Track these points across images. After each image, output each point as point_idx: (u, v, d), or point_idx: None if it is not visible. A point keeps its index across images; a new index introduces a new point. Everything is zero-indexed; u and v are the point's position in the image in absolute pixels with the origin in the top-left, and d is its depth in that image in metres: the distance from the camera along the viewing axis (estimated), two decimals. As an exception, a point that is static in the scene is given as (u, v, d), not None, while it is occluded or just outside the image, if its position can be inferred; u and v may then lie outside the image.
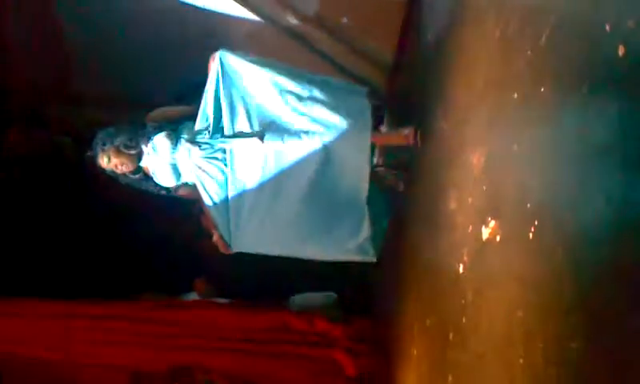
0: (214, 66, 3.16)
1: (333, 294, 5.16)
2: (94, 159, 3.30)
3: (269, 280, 5.08)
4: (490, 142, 2.01)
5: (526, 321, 1.46)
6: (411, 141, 3.11)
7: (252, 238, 3.30)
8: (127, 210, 4.74)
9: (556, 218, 1.37)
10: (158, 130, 3.28)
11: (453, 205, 2.36)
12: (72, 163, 4.85)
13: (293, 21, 4.28)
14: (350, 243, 3.35)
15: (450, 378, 2.19)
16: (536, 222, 1.48)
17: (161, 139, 3.25)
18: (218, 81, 3.16)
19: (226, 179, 3.22)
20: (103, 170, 3.31)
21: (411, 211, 3.24)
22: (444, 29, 2.88)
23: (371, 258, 3.46)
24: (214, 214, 3.26)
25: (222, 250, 3.36)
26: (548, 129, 1.50)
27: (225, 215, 3.26)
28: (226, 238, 3.27)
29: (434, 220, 2.62)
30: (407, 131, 3.16)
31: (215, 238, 3.32)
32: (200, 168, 3.25)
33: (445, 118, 2.66)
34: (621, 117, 1.14)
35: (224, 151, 3.21)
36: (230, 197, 3.23)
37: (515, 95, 1.73)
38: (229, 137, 3.20)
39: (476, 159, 2.12)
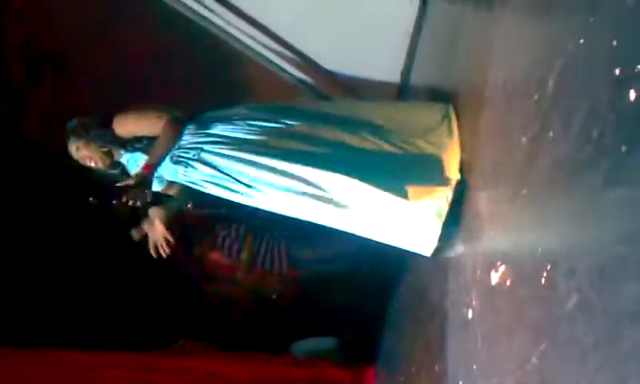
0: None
1: (335, 339, 5.13)
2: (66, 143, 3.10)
3: (265, 326, 5.06)
4: (498, 185, 2.01)
5: (541, 368, 1.43)
6: None
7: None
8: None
9: (569, 263, 1.36)
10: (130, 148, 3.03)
11: (461, 247, 2.35)
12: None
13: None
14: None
15: (460, 427, 2.15)
16: (548, 267, 1.46)
17: (137, 157, 3.03)
18: None
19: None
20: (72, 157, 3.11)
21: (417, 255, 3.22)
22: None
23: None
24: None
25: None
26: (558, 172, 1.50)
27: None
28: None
29: (442, 262, 2.60)
30: None
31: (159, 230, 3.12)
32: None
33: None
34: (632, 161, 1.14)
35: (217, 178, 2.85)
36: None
37: (523, 139, 1.74)
38: (221, 170, 2.85)
39: (483, 204, 2.12)
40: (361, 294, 4.96)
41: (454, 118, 2.71)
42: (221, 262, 5.11)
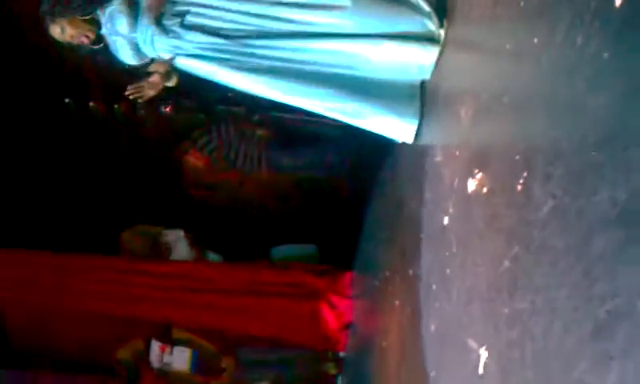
0: None
1: (313, 246, 5.22)
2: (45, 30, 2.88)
3: (248, 233, 5.13)
4: (479, 96, 2.00)
5: (514, 271, 1.47)
6: None
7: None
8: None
9: (546, 169, 1.37)
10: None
11: (439, 157, 2.37)
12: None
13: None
14: None
15: (432, 327, 2.22)
16: (525, 174, 1.48)
17: (115, 12, 2.82)
18: None
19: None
20: (56, 41, 2.90)
21: (395, 162, 3.24)
22: None
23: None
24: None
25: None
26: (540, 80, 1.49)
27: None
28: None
29: (420, 172, 2.62)
30: None
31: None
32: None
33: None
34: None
35: (202, 49, 2.75)
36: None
37: (507, 46, 1.72)
38: (206, 31, 2.74)
39: (464, 112, 2.12)
40: (339, 202, 5.03)
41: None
42: (198, 165, 5.11)
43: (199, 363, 4.51)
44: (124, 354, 4.51)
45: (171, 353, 4.48)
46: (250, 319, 4.29)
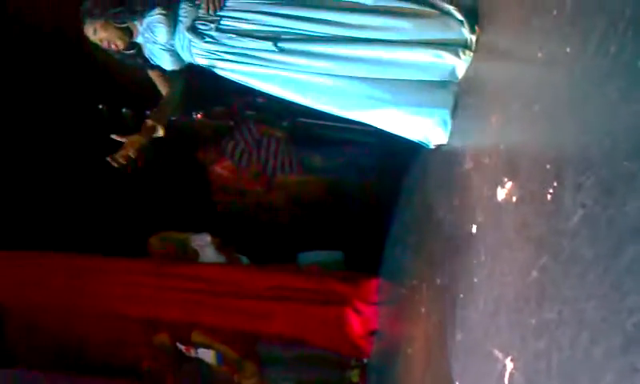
0: None
1: (340, 252, 5.22)
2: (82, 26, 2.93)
3: (275, 239, 5.14)
4: (509, 103, 1.99)
5: (542, 281, 1.46)
6: None
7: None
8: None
9: (576, 178, 1.36)
10: (150, 5, 2.87)
11: (468, 165, 2.35)
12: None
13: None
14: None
15: (458, 336, 2.21)
16: (555, 183, 1.47)
17: (154, 22, 2.86)
18: None
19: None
20: (90, 41, 2.96)
21: (424, 169, 3.23)
22: None
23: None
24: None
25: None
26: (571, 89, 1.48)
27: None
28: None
29: (449, 179, 2.61)
30: None
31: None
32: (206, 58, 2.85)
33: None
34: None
35: (236, 53, 2.77)
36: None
37: (539, 54, 1.71)
38: (241, 34, 2.77)
39: (494, 119, 2.10)
40: (367, 207, 5.02)
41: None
42: (227, 173, 5.15)
43: (223, 361, 4.54)
44: (159, 339, 4.54)
45: (196, 353, 4.52)
46: (276, 323, 4.30)
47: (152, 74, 3.11)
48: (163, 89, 3.12)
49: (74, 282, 4.35)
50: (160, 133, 2.93)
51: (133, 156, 2.85)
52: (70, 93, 4.80)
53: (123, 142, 2.86)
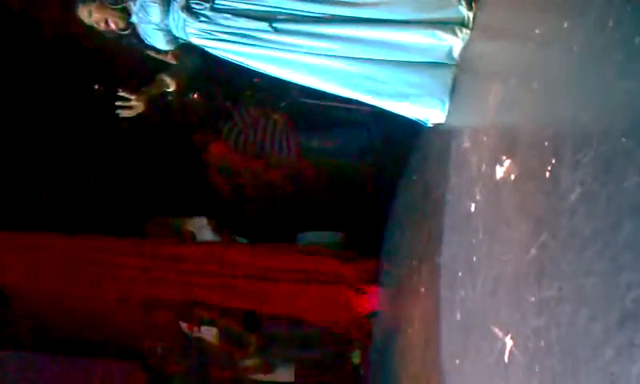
0: None
1: (339, 234, 5.22)
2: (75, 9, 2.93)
3: (275, 219, 5.14)
4: (507, 81, 1.98)
5: (541, 258, 1.46)
6: None
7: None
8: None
9: (575, 155, 1.35)
10: None
11: (466, 143, 2.35)
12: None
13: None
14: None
15: (458, 315, 2.21)
16: (553, 160, 1.46)
17: (148, 2, 2.84)
18: None
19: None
20: (84, 23, 2.95)
21: (423, 149, 3.22)
22: None
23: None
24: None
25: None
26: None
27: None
28: None
29: (447, 158, 2.61)
30: None
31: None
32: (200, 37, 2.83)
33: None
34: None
35: (232, 33, 2.75)
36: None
37: (537, 31, 1.69)
38: (237, 14, 2.73)
39: (492, 97, 2.09)
40: (366, 188, 5.01)
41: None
42: (222, 153, 5.13)
43: (226, 337, 4.56)
44: (162, 319, 4.56)
45: (199, 331, 4.54)
46: (276, 303, 4.32)
47: (169, 57, 3.09)
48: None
49: (73, 265, 4.36)
50: (172, 87, 3.00)
51: (142, 105, 2.95)
52: (65, 74, 4.77)
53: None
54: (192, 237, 4.85)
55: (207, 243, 4.78)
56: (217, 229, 4.90)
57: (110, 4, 2.88)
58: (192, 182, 5.15)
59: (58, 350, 4.52)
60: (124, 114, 2.95)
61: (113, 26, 2.91)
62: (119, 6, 2.89)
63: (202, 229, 4.87)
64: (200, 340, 4.54)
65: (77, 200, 4.95)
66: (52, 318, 4.51)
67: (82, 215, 4.76)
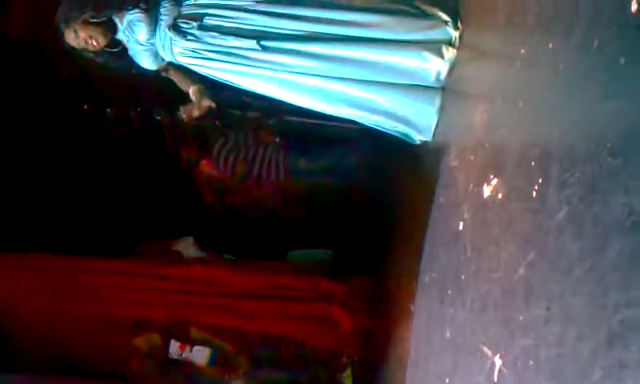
0: None
1: (328, 251, 5.21)
2: (61, 38, 2.87)
3: (264, 237, 5.12)
4: (494, 101, 1.99)
5: (529, 278, 1.46)
6: None
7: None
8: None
9: (561, 175, 1.36)
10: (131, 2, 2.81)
11: (454, 162, 2.36)
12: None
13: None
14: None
15: (447, 334, 2.21)
16: (540, 180, 1.47)
17: (135, 20, 2.80)
18: None
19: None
20: (74, 49, 2.88)
21: (410, 169, 3.23)
22: None
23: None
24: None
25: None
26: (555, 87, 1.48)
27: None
28: None
29: (435, 177, 2.61)
30: None
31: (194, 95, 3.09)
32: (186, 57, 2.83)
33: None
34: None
35: (219, 52, 2.75)
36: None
37: (522, 51, 1.71)
38: (224, 32, 2.73)
39: (479, 117, 2.10)
40: (354, 207, 5.01)
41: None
42: (211, 173, 5.13)
43: (216, 360, 4.52)
44: (141, 342, 4.51)
45: (191, 351, 4.50)
46: (266, 321, 4.29)
47: (171, 74, 3.06)
48: (184, 85, 3.10)
49: (64, 286, 4.32)
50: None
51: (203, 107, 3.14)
52: (54, 95, 4.76)
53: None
54: (180, 257, 4.83)
55: (194, 261, 4.76)
56: (201, 247, 4.88)
57: (91, 18, 2.81)
58: (181, 201, 5.13)
59: (44, 370, 4.46)
60: (195, 114, 3.15)
61: (96, 42, 2.84)
62: (101, 20, 2.82)
63: (188, 248, 4.85)
64: (186, 363, 4.49)
65: (64, 220, 4.92)
66: (38, 338, 4.46)
67: (68, 235, 4.72)
